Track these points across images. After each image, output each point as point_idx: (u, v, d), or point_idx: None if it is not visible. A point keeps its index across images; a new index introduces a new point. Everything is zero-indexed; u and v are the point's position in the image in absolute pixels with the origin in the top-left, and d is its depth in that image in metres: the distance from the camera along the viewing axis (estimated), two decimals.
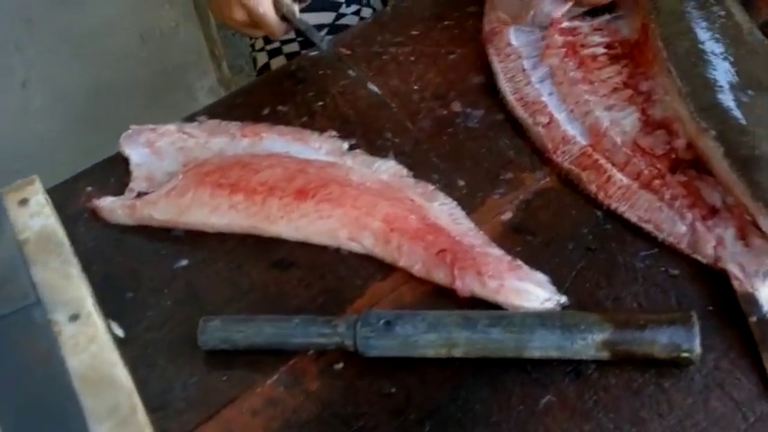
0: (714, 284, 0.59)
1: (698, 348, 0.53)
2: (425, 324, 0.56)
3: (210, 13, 0.97)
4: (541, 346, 0.54)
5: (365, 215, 0.64)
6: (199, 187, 0.67)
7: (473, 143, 0.74)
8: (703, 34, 0.72)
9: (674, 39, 0.71)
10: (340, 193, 0.66)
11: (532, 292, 0.59)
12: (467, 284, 0.60)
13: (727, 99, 0.66)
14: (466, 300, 0.60)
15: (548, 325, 0.54)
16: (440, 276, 0.61)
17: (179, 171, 0.70)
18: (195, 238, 0.67)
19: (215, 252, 0.66)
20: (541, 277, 0.61)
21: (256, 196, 0.66)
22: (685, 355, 0.53)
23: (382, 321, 0.56)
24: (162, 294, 0.64)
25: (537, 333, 0.54)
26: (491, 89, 0.78)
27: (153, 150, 0.74)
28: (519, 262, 0.62)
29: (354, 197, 0.65)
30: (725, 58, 0.70)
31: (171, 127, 0.76)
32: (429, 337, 0.55)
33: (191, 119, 0.78)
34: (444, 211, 0.67)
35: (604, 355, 0.54)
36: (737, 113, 0.65)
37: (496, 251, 0.63)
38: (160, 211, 0.67)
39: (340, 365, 0.58)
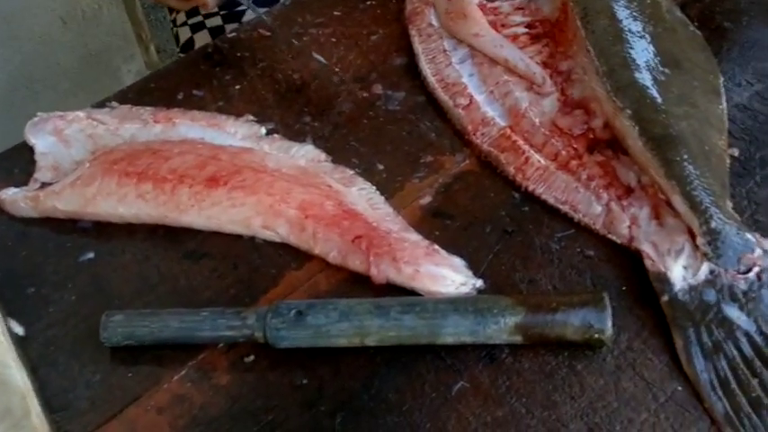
0: (629, 264, 0.59)
1: (610, 329, 0.53)
2: (337, 313, 0.54)
3: None
4: (455, 331, 0.53)
5: (279, 202, 0.62)
6: (105, 176, 0.65)
7: (394, 126, 0.72)
8: (622, 12, 0.71)
9: (593, 17, 0.71)
10: (254, 180, 0.64)
11: (448, 276, 0.58)
12: (382, 271, 0.59)
13: (644, 78, 0.66)
14: (383, 287, 0.59)
15: (461, 310, 0.53)
16: (355, 263, 0.60)
17: (86, 160, 0.67)
18: (103, 230, 0.65)
19: (123, 244, 0.64)
20: (458, 262, 0.60)
21: (165, 185, 0.63)
22: (597, 336, 0.53)
23: (293, 312, 0.54)
24: (66, 289, 0.61)
25: (450, 319, 0.53)
26: (413, 70, 0.76)
27: (60, 138, 0.71)
28: (435, 247, 0.61)
29: (269, 184, 0.64)
30: (642, 37, 0.69)
31: (80, 113, 0.73)
32: (341, 327, 0.54)
33: (101, 105, 0.75)
34: (362, 196, 0.66)
35: (518, 338, 0.53)
36: (653, 92, 0.65)
37: (413, 236, 0.62)
38: (65, 202, 0.64)
39: (251, 358, 0.56)
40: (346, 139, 0.71)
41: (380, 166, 0.69)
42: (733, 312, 0.54)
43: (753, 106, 0.70)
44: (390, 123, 0.72)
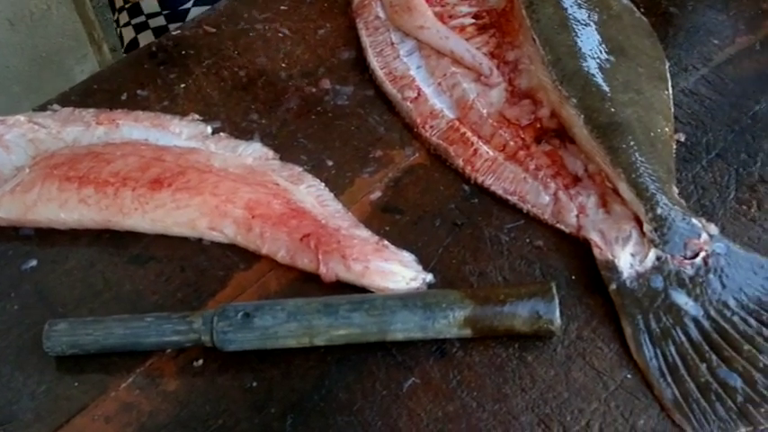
0: (578, 253, 0.59)
1: (558, 319, 0.53)
2: (285, 314, 0.53)
3: None
4: (404, 327, 0.53)
5: (225, 203, 0.61)
6: (46, 181, 0.63)
7: (342, 121, 0.71)
8: (567, 0, 0.71)
9: (538, 6, 0.71)
10: (198, 181, 0.63)
11: (398, 272, 0.58)
12: (331, 269, 0.58)
13: (589, 66, 0.66)
14: (334, 285, 0.58)
15: (409, 306, 0.53)
16: (304, 262, 0.59)
17: (26, 165, 0.66)
18: (46, 237, 0.63)
19: (66, 250, 0.62)
20: (407, 257, 0.59)
21: (108, 188, 0.62)
22: (546, 326, 0.53)
23: (240, 314, 0.54)
24: (8, 298, 0.59)
25: (399, 315, 0.53)
26: (361, 64, 0.75)
27: (0, 144, 0.69)
28: (385, 242, 0.60)
29: (214, 184, 0.62)
30: (587, 25, 0.69)
31: (21, 117, 0.71)
32: (289, 327, 0.53)
33: (43, 108, 0.73)
34: (311, 193, 0.65)
35: (467, 332, 0.53)
36: (598, 80, 0.65)
37: (363, 233, 0.61)
38: (4, 210, 0.63)
39: (200, 362, 0.55)
40: (294, 135, 0.70)
41: (329, 163, 0.68)
42: (680, 298, 0.54)
43: (699, 91, 0.70)
44: (339, 118, 0.72)
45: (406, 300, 0.53)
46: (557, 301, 0.53)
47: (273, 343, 0.54)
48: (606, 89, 0.64)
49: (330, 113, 0.72)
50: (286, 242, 0.60)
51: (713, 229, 0.57)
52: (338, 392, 0.53)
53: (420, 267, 0.59)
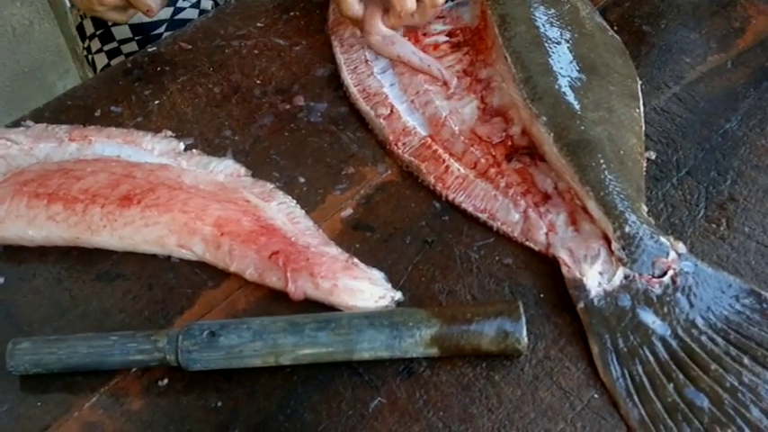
0: (546, 271, 0.59)
1: (525, 338, 0.52)
2: (250, 333, 0.53)
3: (73, 2, 0.91)
4: (371, 347, 0.52)
5: (194, 220, 0.61)
6: (15, 198, 0.63)
7: (315, 138, 0.71)
8: (539, 19, 0.71)
9: (510, 24, 0.71)
10: (168, 198, 0.62)
11: (366, 290, 0.58)
12: (299, 287, 0.58)
13: (560, 84, 0.66)
14: (302, 303, 0.58)
15: (376, 325, 0.53)
16: (272, 280, 0.59)
17: None
18: (14, 254, 0.63)
19: (34, 268, 0.62)
20: (377, 274, 0.59)
21: (77, 205, 0.62)
22: (513, 345, 0.52)
23: (206, 333, 0.53)
24: None
25: (365, 334, 0.52)
26: (335, 81, 0.76)
27: None
28: (354, 260, 0.60)
29: (183, 201, 0.62)
30: (559, 43, 0.70)
31: None
32: (254, 346, 0.53)
33: (17, 123, 0.72)
34: (282, 210, 0.65)
35: (434, 351, 0.53)
36: (569, 98, 0.65)
37: (332, 250, 0.61)
38: None
39: (165, 382, 0.55)
40: (267, 152, 0.70)
41: (301, 179, 0.68)
42: (648, 317, 0.54)
43: (670, 109, 0.71)
44: (312, 135, 0.72)
45: (373, 318, 0.53)
46: (524, 320, 0.52)
47: (239, 362, 0.53)
48: (577, 107, 0.64)
49: (303, 130, 0.72)
50: (255, 260, 0.59)
51: (681, 247, 0.57)
52: (303, 412, 0.53)
53: (389, 285, 0.59)
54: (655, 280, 0.56)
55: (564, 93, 0.65)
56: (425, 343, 0.52)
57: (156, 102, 0.75)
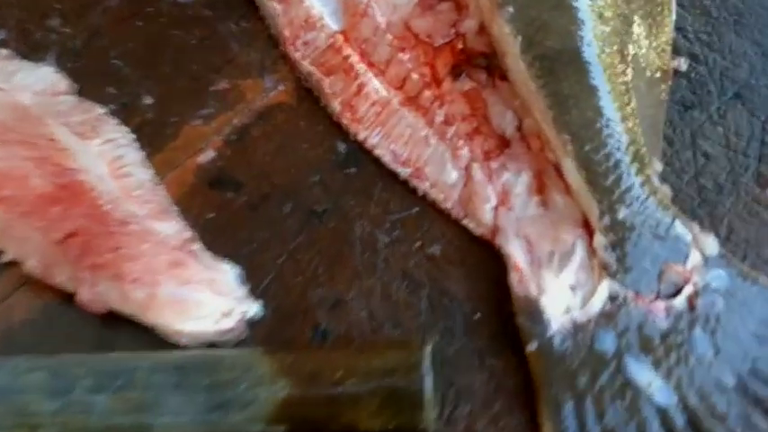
0: (492, 273, 0.37)
1: (431, 412, 0.32)
2: None
3: None
4: (177, 422, 0.32)
5: None
6: None
7: (180, 31, 0.48)
8: None
9: None
10: None
11: (204, 302, 0.37)
12: (98, 296, 0.37)
13: None
14: (108, 318, 0.38)
15: (187, 384, 0.32)
16: (62, 279, 0.38)
17: None
18: None
19: None
20: (226, 272, 0.38)
21: None
22: (411, 423, 0.32)
23: None
24: None
25: (170, 400, 0.32)
26: None
27: None
28: (194, 247, 0.39)
29: None
30: None
31: None
32: None
33: None
34: (105, 155, 0.43)
35: (280, 430, 0.33)
36: None
37: (166, 227, 0.40)
38: None
39: None
40: (106, 53, 0.47)
41: (149, 100, 0.46)
42: (642, 373, 0.33)
43: None
44: (176, 26, 0.48)
45: (184, 374, 0.33)
46: (430, 382, 0.31)
47: None
48: None
49: (164, 18, 0.48)
50: (40, 244, 0.39)
51: (711, 244, 0.35)
52: None
53: (243, 290, 0.38)
54: (661, 303, 0.34)
55: None
56: (266, 418, 0.32)
57: None
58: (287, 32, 0.46)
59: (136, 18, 0.49)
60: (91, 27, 0.49)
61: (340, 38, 0.44)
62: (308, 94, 0.45)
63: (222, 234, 0.40)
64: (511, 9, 0.39)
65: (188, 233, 0.40)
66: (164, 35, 0.48)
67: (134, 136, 0.44)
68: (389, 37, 0.44)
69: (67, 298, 0.39)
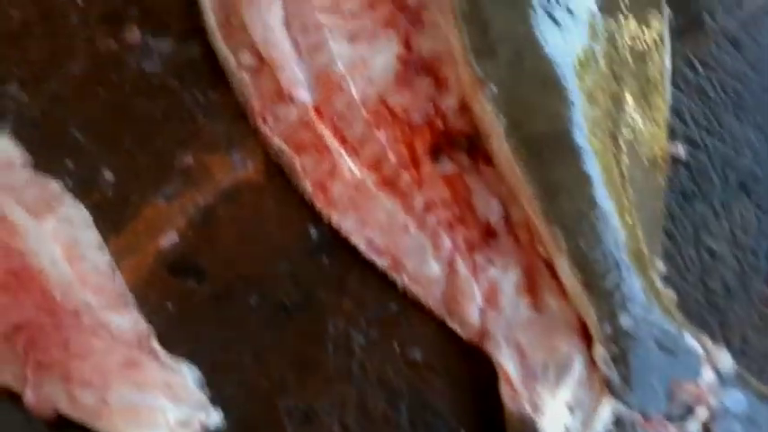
0: (479, 384, 0.34)
1: None
2: None
3: None
4: None
5: None
6: None
7: (145, 99, 0.45)
8: None
9: None
10: None
11: (160, 409, 0.34)
12: (46, 396, 0.34)
13: (529, 26, 0.38)
14: (56, 424, 0.34)
15: None
16: (8, 377, 0.35)
17: None
18: None
19: None
20: (184, 376, 0.35)
21: None
22: None
23: None
24: None
25: None
26: (193, 6, 0.48)
27: None
28: (152, 346, 0.36)
29: None
30: None
31: None
32: None
33: None
34: (60, 235, 0.40)
35: None
36: (539, 52, 0.38)
37: (120, 320, 0.37)
38: None
39: None
40: (66, 123, 0.45)
41: (108, 175, 0.43)
42: None
43: (717, 61, 0.43)
44: (140, 95, 0.45)
45: None
46: None
47: None
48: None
49: (128, 85, 0.46)
50: None
51: (725, 360, 0.32)
52: None
53: (202, 397, 0.34)
54: (672, 429, 0.30)
55: (531, 42, 0.38)
56: None
57: None
58: (256, 105, 0.43)
59: (99, 85, 0.46)
60: (50, 94, 0.46)
61: (312, 113, 0.42)
62: (279, 172, 0.42)
63: (182, 329, 0.37)
64: (494, 87, 0.37)
65: (144, 327, 0.37)
66: (127, 105, 0.45)
67: (91, 215, 0.41)
68: (364, 113, 0.41)
69: (17, 398, 0.35)
